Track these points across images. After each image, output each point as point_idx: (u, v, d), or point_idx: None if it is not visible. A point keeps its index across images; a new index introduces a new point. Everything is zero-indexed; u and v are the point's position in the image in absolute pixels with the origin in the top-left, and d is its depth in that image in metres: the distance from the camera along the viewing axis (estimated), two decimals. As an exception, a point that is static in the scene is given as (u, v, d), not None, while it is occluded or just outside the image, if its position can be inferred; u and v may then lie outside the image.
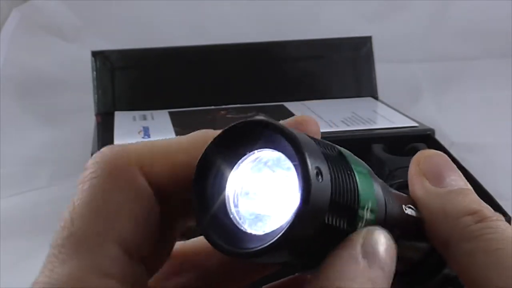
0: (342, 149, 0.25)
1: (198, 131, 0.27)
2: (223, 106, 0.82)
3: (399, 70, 0.99)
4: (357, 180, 0.24)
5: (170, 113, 0.80)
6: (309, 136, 0.24)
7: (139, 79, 0.86)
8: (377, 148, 0.69)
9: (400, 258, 0.25)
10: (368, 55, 0.88)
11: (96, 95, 0.83)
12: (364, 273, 0.23)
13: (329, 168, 0.23)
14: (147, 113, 0.80)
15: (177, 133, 0.73)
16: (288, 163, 0.23)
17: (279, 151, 0.23)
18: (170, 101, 0.83)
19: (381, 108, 0.83)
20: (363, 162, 0.26)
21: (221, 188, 0.24)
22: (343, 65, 0.88)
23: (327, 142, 0.25)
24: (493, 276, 0.25)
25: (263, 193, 0.24)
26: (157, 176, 0.25)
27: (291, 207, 0.22)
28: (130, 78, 0.85)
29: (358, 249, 0.23)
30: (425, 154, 0.28)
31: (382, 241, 0.24)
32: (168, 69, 0.86)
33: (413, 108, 0.89)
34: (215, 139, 0.24)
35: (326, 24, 0.99)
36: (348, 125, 0.74)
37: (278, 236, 0.22)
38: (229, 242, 0.23)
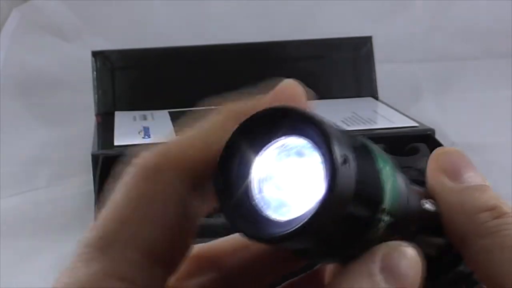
0: (365, 140, 0.25)
1: (221, 111, 0.27)
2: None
3: (399, 70, 0.99)
4: (382, 174, 0.24)
5: (170, 113, 0.80)
6: (335, 126, 0.24)
7: (139, 79, 0.86)
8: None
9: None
10: (368, 55, 0.88)
11: (96, 95, 0.83)
12: None
13: (355, 158, 0.23)
14: (147, 113, 0.80)
15: (177, 133, 0.73)
16: (315, 151, 0.23)
17: (304, 137, 0.23)
18: (170, 101, 0.83)
19: (381, 108, 0.83)
20: (386, 154, 0.26)
21: (246, 174, 0.24)
22: (343, 65, 0.88)
23: (351, 133, 0.25)
24: (510, 273, 0.24)
25: (288, 179, 0.24)
26: (194, 170, 0.25)
27: (316, 194, 0.22)
28: (130, 78, 0.85)
29: (376, 263, 0.23)
30: (443, 151, 0.29)
31: (406, 255, 0.24)
32: (168, 69, 0.86)
33: (413, 108, 0.89)
34: (239, 125, 0.24)
35: (326, 24, 0.99)
36: (348, 125, 0.74)
37: (304, 221, 0.22)
38: (252, 227, 0.23)
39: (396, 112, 0.80)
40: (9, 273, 0.63)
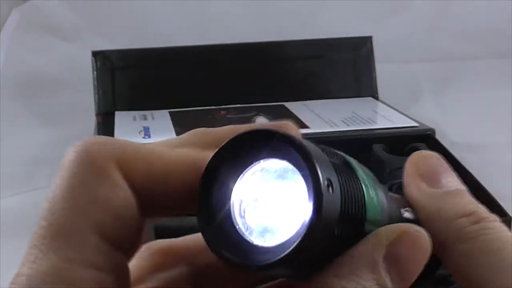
0: (346, 156, 0.25)
1: (194, 132, 0.26)
2: (223, 106, 0.82)
3: (400, 70, 0.99)
4: (364, 191, 0.24)
5: (170, 113, 0.80)
6: (315, 144, 0.23)
7: (139, 79, 0.86)
8: (378, 148, 0.69)
9: None
10: (368, 55, 0.88)
11: (96, 95, 0.83)
12: (379, 279, 0.23)
13: (339, 179, 0.23)
14: (148, 113, 0.80)
15: (177, 133, 0.73)
16: (296, 173, 0.23)
17: (286, 160, 0.23)
18: (170, 101, 0.83)
19: (381, 108, 0.83)
20: (366, 169, 0.25)
21: (227, 198, 0.23)
22: (343, 65, 0.88)
23: (332, 149, 0.24)
24: (490, 277, 0.25)
25: (270, 204, 0.24)
26: (135, 178, 0.25)
27: (300, 218, 0.22)
28: (131, 78, 0.85)
29: (381, 249, 0.23)
30: (421, 155, 0.28)
31: (418, 244, 0.24)
32: (168, 69, 0.86)
33: (413, 108, 0.89)
34: (220, 148, 0.24)
35: (326, 24, 0.99)
36: (348, 125, 0.74)
37: (290, 249, 0.21)
38: (235, 254, 0.22)
39: (396, 112, 0.80)
40: (9, 273, 0.63)
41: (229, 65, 0.87)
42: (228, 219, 0.23)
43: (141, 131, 0.74)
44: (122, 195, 0.24)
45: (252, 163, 0.23)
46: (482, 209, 0.26)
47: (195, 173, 0.24)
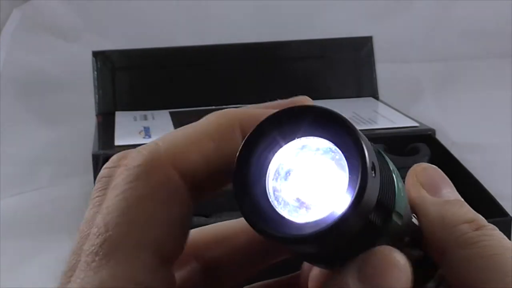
0: (375, 146, 0.25)
1: (220, 113, 0.27)
2: (223, 106, 0.82)
3: (400, 70, 0.99)
4: (395, 180, 0.24)
5: (170, 113, 0.80)
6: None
7: (139, 79, 0.86)
8: (378, 148, 0.69)
9: None
10: (368, 55, 0.88)
11: (96, 95, 0.83)
12: None
13: (379, 164, 0.23)
14: (148, 113, 0.81)
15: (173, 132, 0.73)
16: (338, 153, 0.22)
17: (330, 140, 0.23)
18: (170, 101, 0.83)
19: (381, 108, 0.83)
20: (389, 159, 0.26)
21: (264, 172, 0.23)
22: (344, 65, 0.89)
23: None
24: (490, 281, 0.25)
25: (308, 180, 0.23)
26: (191, 168, 0.25)
27: (337, 199, 0.22)
28: (131, 78, 0.85)
29: (354, 272, 0.23)
30: (421, 167, 0.29)
31: (393, 263, 0.24)
32: (168, 69, 0.86)
33: (413, 108, 0.89)
34: (260, 123, 0.23)
35: (326, 24, 0.99)
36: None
37: (325, 227, 0.21)
38: (268, 225, 0.22)
39: (396, 112, 0.80)
40: (9, 273, 0.63)
41: (229, 65, 0.87)
42: (263, 192, 0.23)
43: (141, 131, 0.74)
44: (179, 207, 0.24)
45: (293, 139, 0.23)
46: (481, 218, 0.27)
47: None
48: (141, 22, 0.99)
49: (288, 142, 0.23)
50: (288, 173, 0.24)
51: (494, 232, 0.26)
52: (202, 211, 0.64)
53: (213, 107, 0.82)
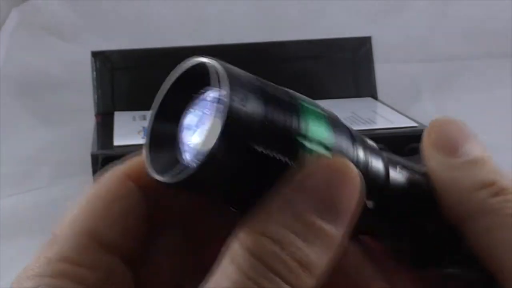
0: (307, 100, 0.25)
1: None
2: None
3: (399, 70, 0.99)
4: (302, 112, 0.23)
5: (170, 113, 0.80)
6: (262, 82, 0.24)
7: (139, 79, 0.85)
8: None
9: (404, 238, 0.24)
10: (367, 55, 0.88)
11: (95, 95, 0.83)
12: (298, 219, 0.21)
13: (262, 97, 0.23)
14: (147, 113, 0.80)
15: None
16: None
17: (220, 88, 0.23)
18: (170, 101, 0.83)
19: (380, 108, 0.83)
20: (329, 111, 0.25)
21: (172, 129, 0.24)
22: (343, 65, 0.88)
23: (292, 94, 0.25)
24: (510, 253, 0.23)
25: (204, 128, 0.24)
26: (146, 186, 0.25)
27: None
28: (130, 78, 0.85)
29: (295, 184, 0.21)
30: (439, 123, 0.27)
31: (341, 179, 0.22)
32: (168, 69, 0.85)
33: (413, 108, 0.89)
34: (165, 88, 0.25)
35: (326, 24, 0.99)
36: (347, 125, 0.74)
37: (204, 157, 0.21)
38: (170, 175, 0.23)
39: (395, 112, 0.80)
40: (9, 273, 0.63)
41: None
42: (173, 147, 0.24)
43: (140, 131, 0.74)
44: (127, 203, 0.25)
45: (196, 94, 0.25)
46: (504, 178, 0.25)
47: None
48: (140, 22, 0.99)
49: (192, 98, 0.25)
50: (192, 125, 0.24)
51: None
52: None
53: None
